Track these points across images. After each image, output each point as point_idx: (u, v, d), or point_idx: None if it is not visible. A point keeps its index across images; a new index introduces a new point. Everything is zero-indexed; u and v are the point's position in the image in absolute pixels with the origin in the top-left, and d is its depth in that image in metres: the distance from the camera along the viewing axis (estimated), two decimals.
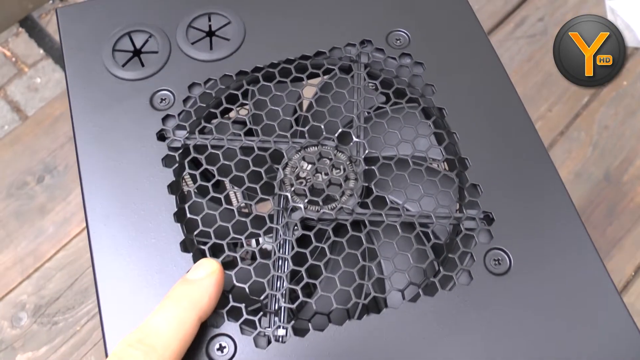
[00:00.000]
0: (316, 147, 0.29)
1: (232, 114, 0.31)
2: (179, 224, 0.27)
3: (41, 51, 1.26)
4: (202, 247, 0.27)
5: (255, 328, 0.25)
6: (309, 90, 0.32)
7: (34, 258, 0.88)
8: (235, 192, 0.28)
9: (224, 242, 0.27)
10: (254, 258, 0.27)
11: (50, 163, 0.99)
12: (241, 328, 0.25)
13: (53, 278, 0.82)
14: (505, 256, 0.27)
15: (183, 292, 0.24)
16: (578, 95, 0.84)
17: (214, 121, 0.30)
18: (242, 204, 0.27)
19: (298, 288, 0.26)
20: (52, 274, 0.83)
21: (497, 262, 0.27)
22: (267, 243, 0.30)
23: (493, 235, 0.27)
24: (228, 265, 0.26)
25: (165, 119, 0.29)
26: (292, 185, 0.28)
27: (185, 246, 0.27)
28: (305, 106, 0.32)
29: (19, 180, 0.97)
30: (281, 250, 0.27)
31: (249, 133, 0.29)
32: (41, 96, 1.40)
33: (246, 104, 0.30)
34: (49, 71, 1.41)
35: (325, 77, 0.32)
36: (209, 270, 0.25)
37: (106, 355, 0.25)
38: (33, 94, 1.39)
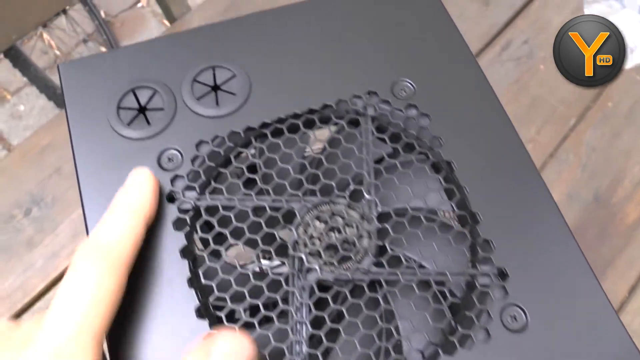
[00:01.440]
0: (328, 205, 0.29)
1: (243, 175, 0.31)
2: (193, 290, 0.27)
3: (25, 78, 1.24)
4: (219, 313, 0.26)
5: None
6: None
7: (23, 292, 0.86)
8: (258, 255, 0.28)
9: (240, 309, 0.26)
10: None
11: (38, 195, 0.98)
12: None
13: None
14: (522, 312, 0.27)
15: (124, 200, 0.26)
16: (565, 117, 0.85)
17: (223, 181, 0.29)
18: (257, 268, 0.27)
19: (318, 353, 0.25)
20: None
21: (513, 319, 0.27)
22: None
23: (508, 291, 0.27)
24: (247, 329, 0.26)
25: (174, 179, 0.29)
26: (306, 245, 0.28)
27: (201, 312, 0.26)
28: (312, 159, 0.32)
29: (5, 213, 0.95)
30: (298, 314, 0.27)
31: (260, 192, 0.29)
32: (25, 124, 1.38)
33: (255, 163, 0.30)
34: (33, 98, 1.40)
35: (333, 129, 0.32)
36: (142, 176, 0.27)
37: None
38: (17, 121, 1.38)
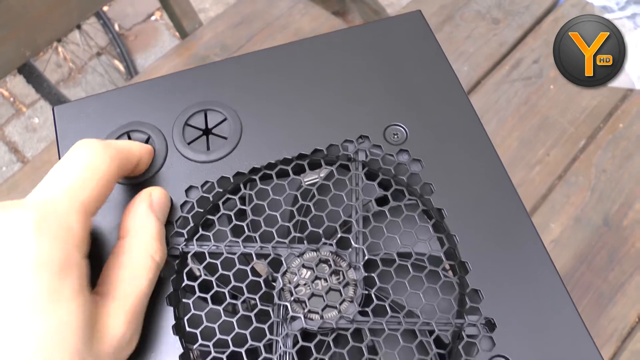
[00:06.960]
0: (315, 253, 0.29)
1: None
2: (177, 337, 0.27)
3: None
4: None
5: None
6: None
7: None
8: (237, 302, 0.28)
9: (224, 357, 0.26)
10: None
11: None
12: None
13: None
14: None
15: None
16: (575, 138, 0.84)
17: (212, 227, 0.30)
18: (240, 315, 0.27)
19: None
20: None
21: None
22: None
23: (495, 342, 0.27)
24: None
25: None
26: (291, 293, 0.28)
27: (185, 359, 0.27)
28: (299, 205, 0.32)
29: None
30: None
31: (248, 238, 0.29)
32: (39, 136, 1.41)
33: (244, 209, 0.30)
34: (47, 110, 1.42)
35: (322, 174, 0.32)
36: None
37: None
38: (31, 134, 1.40)
